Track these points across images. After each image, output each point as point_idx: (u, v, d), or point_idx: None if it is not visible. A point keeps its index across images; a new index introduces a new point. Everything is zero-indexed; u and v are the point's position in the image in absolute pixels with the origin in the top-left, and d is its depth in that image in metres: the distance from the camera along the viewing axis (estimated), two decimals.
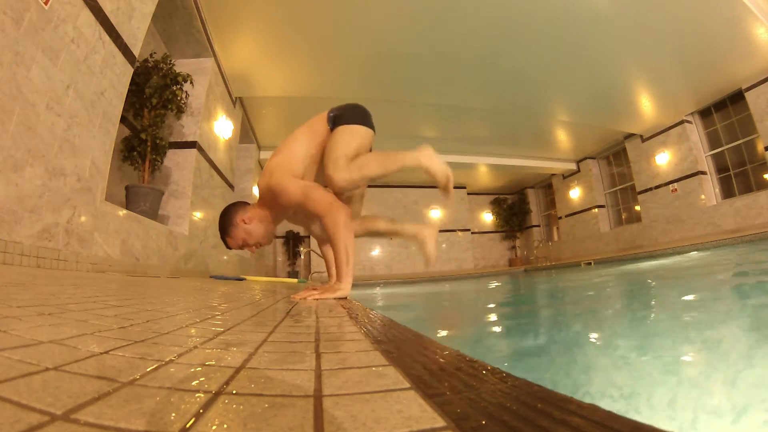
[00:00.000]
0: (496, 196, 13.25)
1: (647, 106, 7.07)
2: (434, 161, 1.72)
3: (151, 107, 3.47)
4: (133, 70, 2.76)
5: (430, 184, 11.82)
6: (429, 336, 0.58)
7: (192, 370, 0.35)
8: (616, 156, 9.59)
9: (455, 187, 12.12)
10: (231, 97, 5.67)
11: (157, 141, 3.46)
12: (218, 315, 0.82)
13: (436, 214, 11.96)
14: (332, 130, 1.80)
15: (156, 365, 0.36)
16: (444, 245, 11.91)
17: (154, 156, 3.51)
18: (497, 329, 2.01)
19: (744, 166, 6.79)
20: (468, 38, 4.97)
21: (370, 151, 1.93)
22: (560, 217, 11.18)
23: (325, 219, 1.54)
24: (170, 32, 4.23)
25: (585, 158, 10.03)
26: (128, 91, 2.76)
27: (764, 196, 6.14)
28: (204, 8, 4.21)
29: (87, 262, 2.24)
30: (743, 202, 6.45)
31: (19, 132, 1.75)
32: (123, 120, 3.20)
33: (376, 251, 11.35)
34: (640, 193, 8.47)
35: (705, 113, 7.32)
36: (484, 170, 10.66)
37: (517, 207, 12.82)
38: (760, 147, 6.23)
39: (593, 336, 1.54)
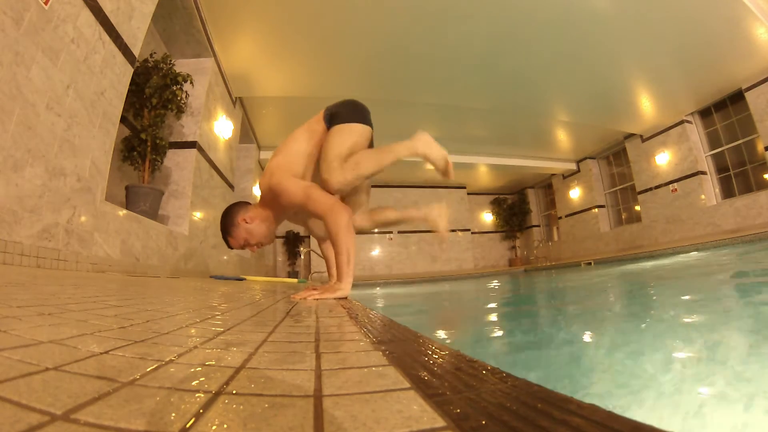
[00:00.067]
0: (496, 196, 13.25)
1: (647, 106, 7.07)
2: (430, 147, 1.72)
3: (151, 107, 3.47)
4: (133, 70, 2.76)
5: (430, 184, 11.84)
6: (429, 336, 0.58)
7: (192, 370, 0.35)
8: (616, 156, 9.59)
9: (455, 187, 12.21)
10: (231, 97, 5.67)
11: (157, 141, 3.46)
12: (218, 315, 0.82)
13: None
14: (329, 129, 1.79)
15: (156, 365, 0.36)
16: (444, 245, 11.91)
17: (154, 156, 3.51)
18: (497, 329, 2.01)
19: (744, 166, 6.79)
20: (468, 38, 4.97)
21: (372, 146, 1.93)
22: (560, 217, 11.18)
23: (327, 219, 1.54)
24: (170, 32, 4.23)
25: (585, 158, 10.03)
26: (128, 91, 2.76)
27: (764, 196, 6.14)
28: (204, 8, 4.21)
29: (87, 262, 2.24)
30: (743, 202, 6.45)
31: (19, 132, 1.75)
32: (123, 120, 3.21)
33: (376, 251, 11.36)
34: (640, 193, 8.47)
35: (705, 113, 7.33)
36: (484, 170, 10.66)
37: (517, 207, 12.82)
38: (760, 147, 6.23)
39: (593, 336, 1.54)
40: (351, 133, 1.74)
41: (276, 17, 4.45)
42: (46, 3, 1.87)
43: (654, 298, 2.41)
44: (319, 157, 1.80)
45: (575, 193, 10.42)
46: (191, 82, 3.84)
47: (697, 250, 5.25)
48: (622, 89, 6.46)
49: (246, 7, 4.25)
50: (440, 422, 0.24)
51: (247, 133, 7.08)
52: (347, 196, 2.03)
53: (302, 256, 10.63)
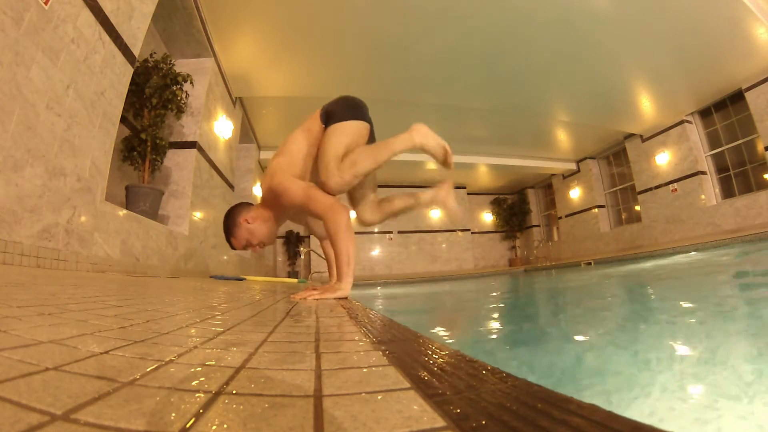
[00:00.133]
0: (496, 196, 13.25)
1: (647, 106, 7.07)
2: (427, 138, 1.70)
3: (151, 107, 3.47)
4: (133, 70, 2.76)
5: (429, 184, 11.82)
6: (429, 336, 0.58)
7: (192, 370, 0.35)
8: (616, 156, 9.59)
9: (455, 187, 12.18)
10: (231, 97, 5.67)
11: (157, 141, 3.46)
12: (218, 315, 0.82)
13: (436, 214, 11.96)
14: (326, 128, 1.79)
15: (156, 365, 0.36)
16: (444, 245, 11.92)
17: (154, 156, 3.51)
18: (497, 329, 2.01)
19: (744, 166, 6.79)
20: (468, 38, 4.97)
21: (374, 139, 1.92)
22: (560, 217, 11.18)
23: (326, 219, 1.54)
24: (170, 32, 4.23)
25: (585, 158, 10.03)
26: (128, 91, 2.76)
27: (764, 196, 6.14)
28: (204, 8, 4.21)
29: (87, 262, 2.24)
30: (743, 202, 6.45)
31: (19, 132, 1.75)
32: (123, 120, 3.21)
33: (376, 251, 11.36)
34: (640, 193, 8.47)
35: (705, 113, 7.33)
36: (484, 170, 10.66)
37: (517, 207, 12.82)
38: (760, 147, 6.23)
39: (594, 335, 1.54)
40: (346, 133, 1.73)
41: (276, 17, 4.45)
42: (46, 3, 1.87)
43: (653, 297, 2.41)
44: (317, 157, 1.80)
45: (575, 193, 10.42)
46: (191, 82, 3.84)
47: (696, 250, 5.25)
48: (622, 89, 6.46)
49: (246, 7, 4.25)
50: (440, 422, 0.24)
51: (247, 133, 7.08)
52: (354, 192, 2.02)
53: (302, 256, 10.63)
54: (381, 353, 0.46)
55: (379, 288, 6.73)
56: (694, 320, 1.54)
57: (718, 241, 5.23)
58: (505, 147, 9.15)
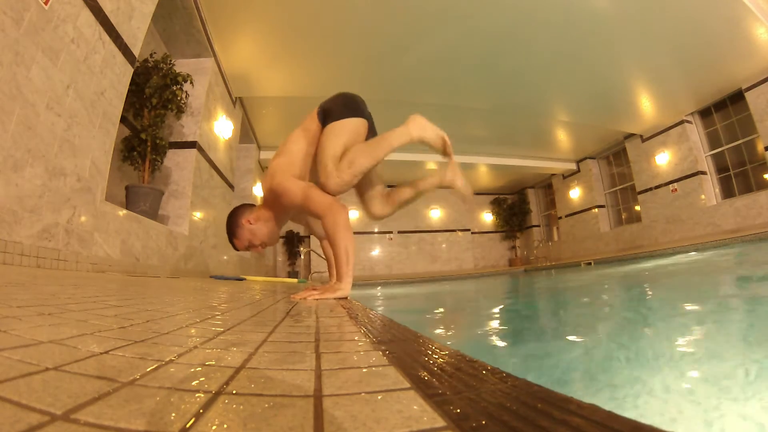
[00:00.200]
0: (496, 196, 13.25)
1: (647, 106, 7.07)
2: (425, 129, 1.69)
3: (151, 107, 3.47)
4: (133, 70, 2.76)
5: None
6: (429, 336, 0.58)
7: (192, 370, 0.35)
8: (616, 156, 9.59)
9: None
10: (231, 97, 5.67)
11: (157, 141, 3.46)
12: (218, 315, 0.82)
13: (436, 214, 11.96)
14: (323, 126, 1.78)
15: (156, 365, 0.36)
16: (444, 245, 11.92)
17: (154, 156, 3.51)
18: (497, 329, 2.01)
19: (744, 166, 6.79)
20: (468, 38, 4.97)
21: (375, 133, 1.90)
22: (560, 217, 11.18)
23: (325, 219, 1.54)
24: (170, 32, 4.23)
25: (585, 158, 10.03)
26: (128, 91, 2.76)
27: (764, 196, 6.14)
28: (204, 8, 4.21)
29: (87, 262, 2.24)
30: (743, 202, 6.45)
31: (19, 132, 1.75)
32: (123, 120, 3.20)
33: (376, 251, 11.36)
34: (640, 193, 8.47)
35: (705, 113, 7.33)
36: (484, 170, 10.66)
37: (517, 207, 12.82)
38: (760, 147, 6.23)
39: (594, 334, 1.54)
40: (343, 131, 1.71)
41: (276, 17, 4.45)
42: (46, 3, 1.87)
43: (653, 296, 2.41)
44: (316, 157, 1.80)
45: (575, 193, 10.42)
46: (191, 82, 3.84)
47: (696, 250, 5.25)
48: (622, 89, 6.46)
49: (246, 7, 4.25)
50: (440, 422, 0.24)
51: (247, 133, 7.08)
52: (362, 188, 2.00)
53: (302, 256, 10.63)
54: (381, 353, 0.46)
55: (379, 288, 6.73)
56: (694, 320, 1.54)
57: (718, 241, 5.23)
58: (505, 147, 9.15)
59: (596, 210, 9.78)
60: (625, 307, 2.28)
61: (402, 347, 0.50)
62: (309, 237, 10.87)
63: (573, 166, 10.36)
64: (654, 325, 1.53)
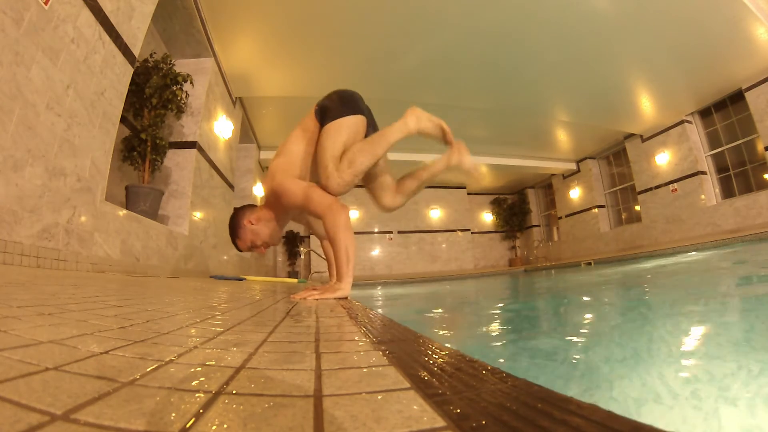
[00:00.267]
0: (496, 196, 13.26)
1: (647, 106, 7.07)
2: (422, 120, 1.68)
3: (151, 107, 3.47)
4: (133, 70, 2.76)
5: (428, 185, 11.81)
6: (429, 336, 0.58)
7: (192, 370, 0.35)
8: (616, 156, 9.59)
9: (455, 187, 12.20)
10: (231, 97, 5.67)
11: (157, 141, 3.46)
12: (218, 315, 0.82)
13: (436, 214, 11.96)
14: (321, 124, 1.77)
15: (156, 365, 0.36)
16: (444, 245, 11.92)
17: (154, 156, 3.51)
18: (497, 329, 2.01)
19: (744, 166, 6.79)
20: (468, 38, 4.97)
21: (375, 128, 1.89)
22: (560, 217, 11.18)
23: (325, 219, 1.54)
24: (170, 32, 4.23)
25: (585, 158, 10.03)
26: (128, 91, 2.76)
27: (764, 196, 6.14)
28: (204, 8, 4.21)
29: (87, 262, 2.24)
30: (743, 202, 6.45)
31: (19, 132, 1.75)
32: (123, 120, 3.21)
33: (376, 251, 11.36)
34: (640, 193, 8.48)
35: (705, 113, 7.33)
36: (484, 170, 10.65)
37: (517, 207, 12.82)
38: (760, 147, 6.24)
39: (594, 334, 1.54)
40: (342, 130, 1.70)
41: (276, 17, 4.45)
42: (46, 3, 1.87)
43: (652, 296, 2.41)
44: (316, 156, 1.80)
45: (575, 193, 10.43)
46: (191, 82, 3.84)
47: (696, 250, 5.25)
48: (622, 89, 6.46)
49: (246, 7, 4.25)
50: (440, 422, 0.24)
51: (247, 133, 7.08)
52: (370, 182, 1.99)
53: (302, 256, 10.63)
54: (381, 353, 0.46)
55: (379, 288, 6.74)
56: (694, 320, 1.54)
57: (718, 241, 5.23)
58: (505, 147, 9.15)
59: (596, 210, 9.78)
60: (625, 306, 2.28)
61: (402, 347, 0.50)
62: (309, 237, 10.88)
63: (573, 166, 10.36)
64: (653, 325, 1.53)
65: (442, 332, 1.96)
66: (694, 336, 1.30)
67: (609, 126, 7.97)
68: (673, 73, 5.96)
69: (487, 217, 13.22)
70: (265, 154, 8.14)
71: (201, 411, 0.25)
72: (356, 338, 0.58)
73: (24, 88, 1.78)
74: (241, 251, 1.91)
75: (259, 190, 7.70)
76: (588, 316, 2.10)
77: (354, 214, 10.63)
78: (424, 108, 1.73)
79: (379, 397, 0.29)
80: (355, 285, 3.67)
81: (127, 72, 2.69)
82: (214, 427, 0.23)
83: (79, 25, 2.14)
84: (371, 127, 1.88)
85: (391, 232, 11.49)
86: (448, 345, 0.50)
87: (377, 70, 5.66)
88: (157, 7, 3.02)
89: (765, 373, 0.83)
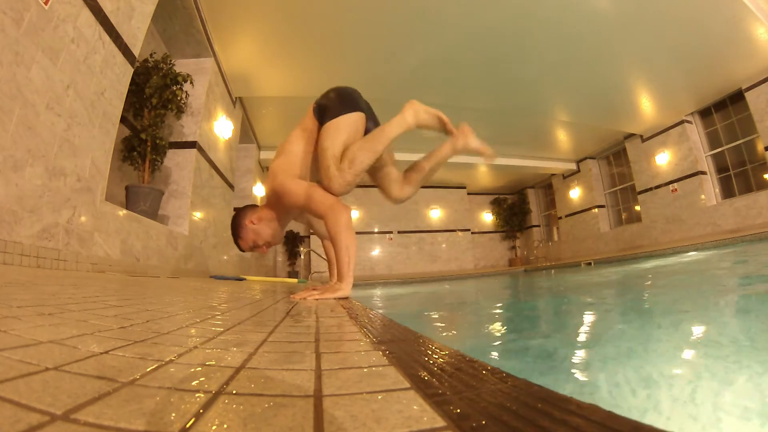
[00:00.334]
0: (496, 196, 13.26)
1: (647, 106, 7.07)
2: (420, 113, 1.68)
3: (151, 107, 3.47)
4: (133, 70, 2.76)
5: (428, 185, 11.83)
6: (429, 336, 0.58)
7: (192, 370, 0.35)
8: (616, 156, 9.59)
9: (455, 187, 12.20)
10: (231, 97, 5.67)
11: (157, 141, 3.46)
12: (218, 315, 0.82)
13: (436, 214, 11.96)
14: (320, 123, 1.76)
15: (156, 365, 0.36)
16: (444, 245, 11.92)
17: (154, 156, 3.51)
18: (497, 328, 2.01)
19: (744, 166, 6.79)
20: (468, 38, 4.97)
21: (376, 123, 1.88)
22: (560, 217, 11.18)
23: (327, 219, 1.54)
24: (170, 32, 4.23)
25: (585, 158, 10.03)
26: (128, 91, 2.76)
27: (764, 196, 6.14)
28: (204, 8, 4.21)
29: (87, 262, 2.24)
30: (743, 202, 6.45)
31: (19, 132, 1.75)
32: (123, 120, 3.21)
33: (376, 251, 11.36)
34: (640, 193, 8.47)
35: (705, 113, 7.33)
36: (484, 170, 10.67)
37: (517, 207, 12.82)
38: (760, 147, 6.23)
39: (594, 334, 1.54)
40: (341, 129, 1.69)
41: (276, 17, 4.45)
42: (46, 3, 1.87)
43: (651, 296, 2.41)
44: (317, 156, 1.80)
45: (575, 193, 10.43)
46: (191, 82, 3.84)
47: (697, 250, 5.25)
48: (622, 89, 6.46)
49: (246, 7, 4.25)
50: (440, 422, 0.24)
51: (247, 133, 7.08)
52: (376, 175, 1.98)
53: (302, 256, 10.63)
54: (381, 353, 0.46)
55: (379, 288, 6.74)
56: (694, 320, 1.54)
57: (718, 241, 5.23)
58: (505, 147, 9.15)
59: (596, 210, 9.78)
60: (625, 306, 2.28)
61: (402, 347, 0.50)
62: (309, 237, 10.88)
63: (573, 166, 10.36)
64: (654, 325, 1.53)
65: (442, 332, 1.96)
66: (695, 336, 1.30)
67: (609, 126, 7.97)
68: (673, 73, 5.96)
69: (487, 217, 13.22)
70: (265, 154, 8.14)
71: (201, 411, 0.25)
72: (356, 338, 0.58)
73: (24, 88, 1.78)
74: (243, 251, 1.91)
75: (259, 190, 7.70)
76: (588, 316, 2.10)
77: (354, 214, 10.62)
78: None
79: (379, 397, 0.29)
80: (356, 285, 3.67)
81: (127, 72, 2.69)
82: (214, 427, 0.23)
83: (79, 25, 2.14)
84: (371, 122, 1.86)
85: (391, 232, 11.49)
86: (448, 345, 0.50)
87: (377, 70, 5.66)
88: (157, 7, 3.02)
89: (765, 373, 0.83)
